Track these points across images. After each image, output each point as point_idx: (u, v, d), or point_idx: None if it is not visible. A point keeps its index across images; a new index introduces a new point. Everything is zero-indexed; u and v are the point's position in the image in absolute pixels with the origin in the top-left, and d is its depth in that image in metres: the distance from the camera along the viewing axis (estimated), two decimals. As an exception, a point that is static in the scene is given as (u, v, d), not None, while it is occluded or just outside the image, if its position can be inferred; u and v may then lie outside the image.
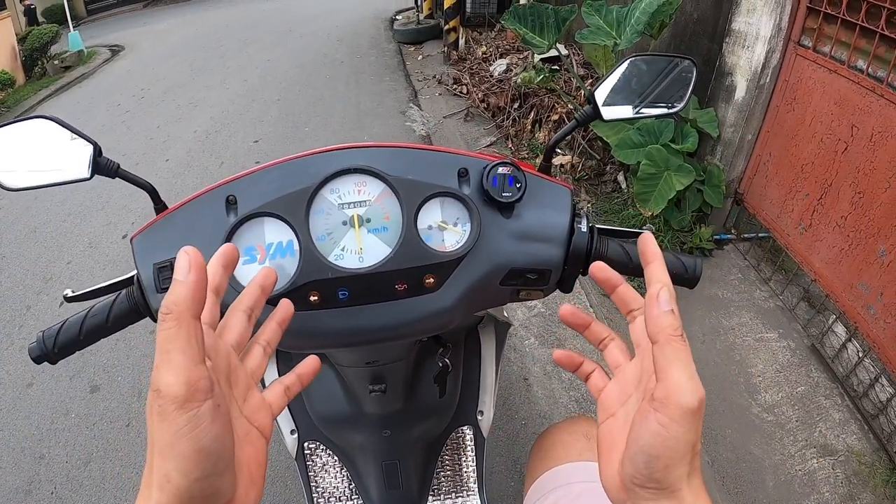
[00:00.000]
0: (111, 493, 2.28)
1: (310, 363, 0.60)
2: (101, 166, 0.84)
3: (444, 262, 0.75)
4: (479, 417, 1.23)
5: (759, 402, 2.39)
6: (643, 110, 0.94)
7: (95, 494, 2.29)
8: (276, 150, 5.22)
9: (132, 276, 0.83)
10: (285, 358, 1.17)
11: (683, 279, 0.85)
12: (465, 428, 1.24)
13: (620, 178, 3.71)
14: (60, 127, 0.82)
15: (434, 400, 1.11)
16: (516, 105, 4.85)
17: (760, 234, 2.96)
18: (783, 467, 2.17)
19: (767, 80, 2.73)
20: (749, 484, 2.14)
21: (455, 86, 6.07)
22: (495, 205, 0.79)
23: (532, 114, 4.62)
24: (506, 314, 1.30)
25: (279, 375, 1.12)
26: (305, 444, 1.19)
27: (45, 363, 0.82)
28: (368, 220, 0.76)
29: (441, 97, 6.01)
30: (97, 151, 0.83)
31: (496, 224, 0.78)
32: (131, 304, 0.80)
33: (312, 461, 1.20)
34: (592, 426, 1.09)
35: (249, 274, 0.74)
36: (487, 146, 4.76)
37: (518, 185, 0.78)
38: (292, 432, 1.18)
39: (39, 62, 10.08)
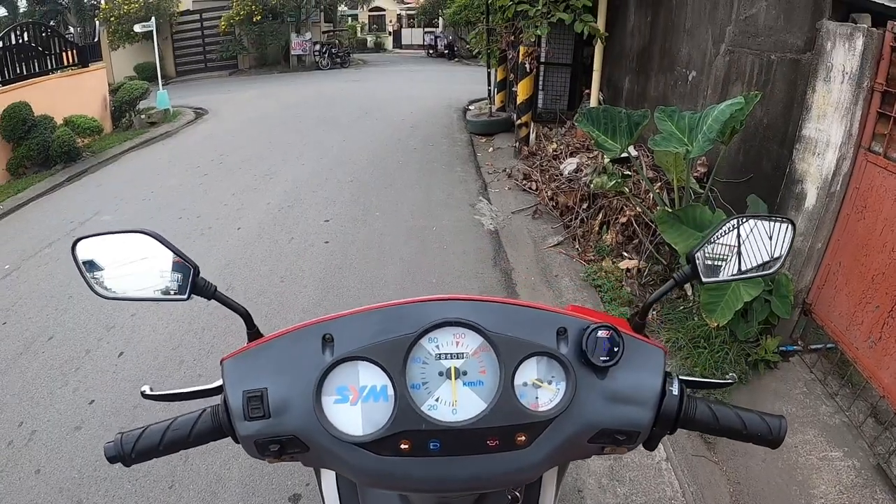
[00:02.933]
0: (142, 549, 2.25)
1: None
2: (199, 287, 0.87)
3: (537, 422, 0.76)
4: None
5: (821, 526, 2.24)
6: (741, 272, 0.94)
7: (126, 549, 2.26)
8: (345, 231, 5.35)
9: (214, 389, 0.87)
10: (346, 483, 1.16)
11: (766, 440, 0.84)
12: None
13: (687, 285, 3.66)
14: (159, 243, 0.85)
15: None
16: (585, 205, 4.89)
17: (828, 346, 2.85)
18: None
19: (838, 187, 2.68)
20: None
21: (525, 181, 6.19)
22: (591, 366, 0.79)
23: (600, 215, 4.64)
24: None
25: (339, 494, 1.13)
26: None
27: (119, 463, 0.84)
28: (465, 373, 0.78)
29: (510, 191, 6.13)
30: (195, 272, 0.87)
31: (590, 384, 0.79)
32: (215, 424, 0.82)
33: None
34: None
35: (340, 413, 0.76)
36: (554, 245, 4.78)
37: (615, 349, 0.79)
38: None
39: (127, 114, 10.75)
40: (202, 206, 6.16)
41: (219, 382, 0.84)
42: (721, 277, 0.94)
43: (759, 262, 0.94)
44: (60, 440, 2.83)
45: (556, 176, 5.63)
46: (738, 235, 0.93)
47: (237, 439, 0.79)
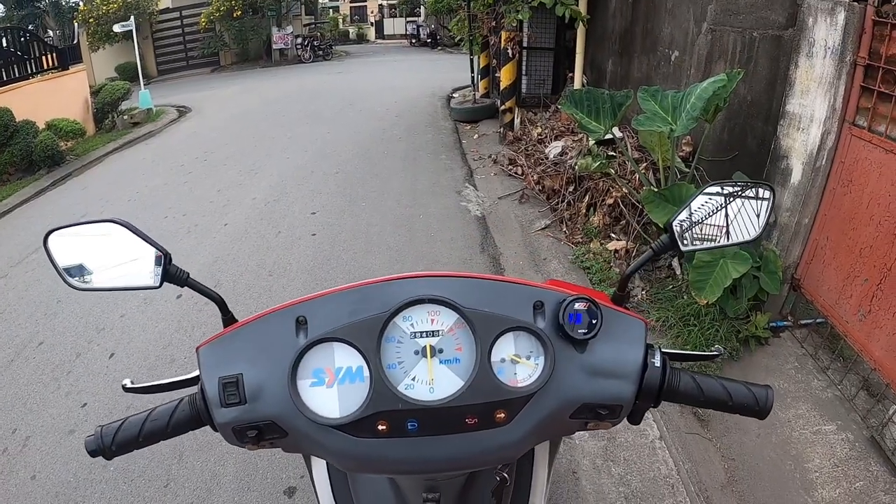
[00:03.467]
0: (141, 551, 2.25)
1: None
2: (171, 275, 0.86)
3: (516, 398, 0.75)
4: None
5: (816, 498, 2.25)
6: (720, 239, 0.94)
7: (124, 551, 2.26)
8: (332, 222, 5.34)
9: (193, 378, 0.85)
10: (337, 473, 1.15)
11: (753, 411, 0.83)
12: None
13: (675, 264, 3.67)
14: (129, 232, 0.84)
15: None
16: (571, 188, 4.89)
17: (818, 321, 2.87)
18: (842, 571, 2.03)
19: (823, 162, 2.70)
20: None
21: (510, 166, 6.18)
22: (570, 340, 0.78)
23: (587, 197, 4.64)
24: None
25: (330, 479, 1.12)
26: None
27: (100, 457, 0.83)
28: (441, 351, 0.77)
29: (496, 177, 6.13)
30: (167, 259, 0.85)
31: (569, 358, 0.78)
32: (193, 413, 0.81)
33: None
34: None
35: (317, 396, 0.75)
36: (542, 229, 4.78)
37: (594, 322, 0.78)
38: None
39: (110, 116, 10.67)
40: (188, 204, 6.12)
41: (196, 372, 0.83)
42: (700, 246, 0.93)
43: (740, 229, 0.93)
44: (55, 445, 2.82)
45: (542, 160, 5.62)
46: (718, 203, 0.92)
47: (215, 427, 0.78)
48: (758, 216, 0.93)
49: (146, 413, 0.83)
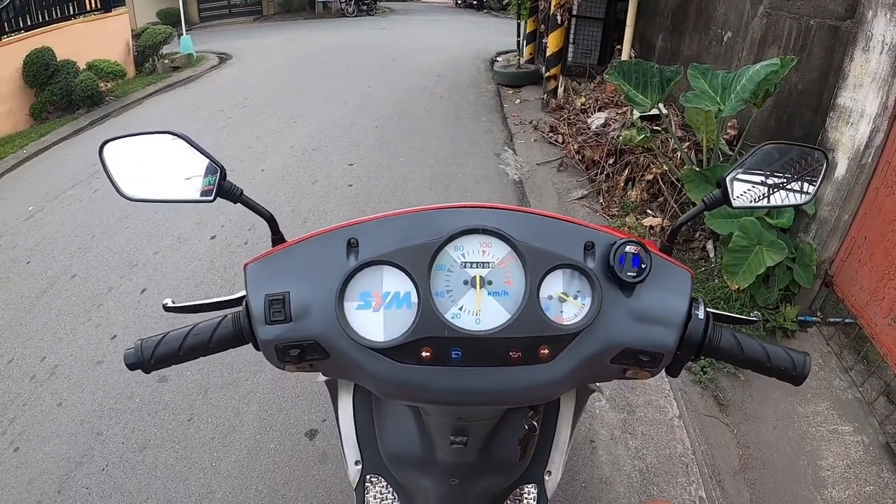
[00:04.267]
0: (161, 482, 2.33)
1: None
2: (225, 190, 0.85)
3: (561, 336, 0.74)
4: (546, 477, 1.19)
5: (825, 497, 2.25)
6: (772, 199, 0.91)
7: (145, 481, 2.34)
8: (369, 175, 5.35)
9: (237, 299, 0.85)
10: (363, 395, 1.15)
11: (790, 376, 0.83)
12: (530, 486, 1.20)
13: (709, 246, 3.62)
14: (187, 144, 0.84)
15: (510, 458, 1.08)
16: (611, 160, 4.83)
17: (847, 321, 2.82)
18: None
19: (869, 159, 2.62)
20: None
21: (551, 134, 6.10)
22: (617, 282, 0.78)
23: (626, 171, 4.58)
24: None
25: (354, 411, 1.12)
26: (368, 477, 1.17)
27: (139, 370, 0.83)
28: (490, 283, 0.76)
29: (536, 143, 6.06)
30: (222, 175, 0.85)
31: (615, 301, 0.77)
32: (236, 330, 0.81)
33: (372, 495, 1.18)
34: None
35: (362, 319, 0.75)
36: (578, 199, 4.74)
37: (643, 266, 0.77)
38: (356, 463, 1.16)
39: (150, 59, 10.70)
40: (225, 148, 6.15)
41: (242, 293, 0.83)
42: (751, 204, 0.91)
43: (791, 193, 0.91)
44: (82, 374, 2.91)
45: (584, 130, 5.54)
46: (771, 163, 0.90)
47: (257, 345, 0.79)
48: (810, 182, 0.91)
49: (188, 328, 0.83)
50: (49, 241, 4.28)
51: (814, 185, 0.91)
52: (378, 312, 0.75)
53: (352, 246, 0.78)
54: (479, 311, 0.75)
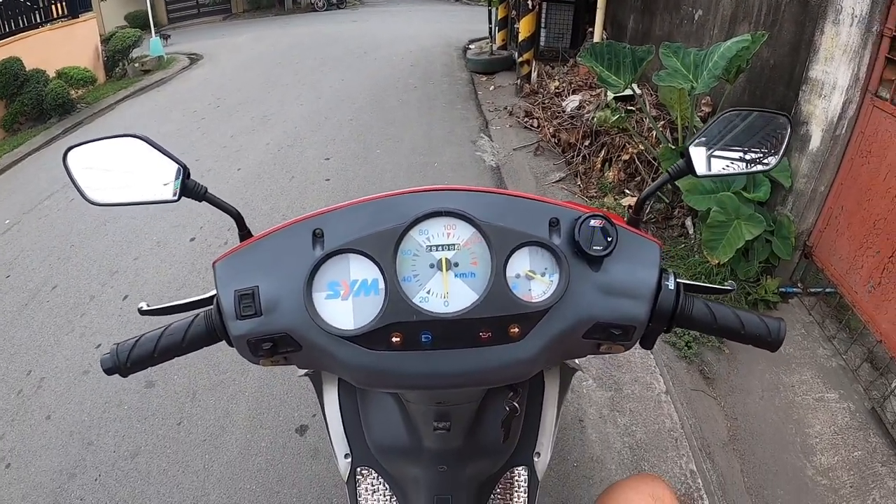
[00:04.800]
0: (155, 488, 2.32)
1: None
2: (189, 189, 0.85)
3: (530, 313, 0.74)
4: (536, 459, 1.20)
5: (815, 464, 2.29)
6: (737, 166, 0.92)
7: (139, 487, 2.33)
8: (346, 168, 5.33)
9: (209, 297, 0.85)
10: (347, 388, 1.16)
11: (766, 342, 0.83)
12: (520, 469, 1.20)
13: (688, 222, 3.65)
14: (149, 146, 0.83)
15: (495, 441, 1.09)
16: (587, 142, 4.85)
17: (827, 290, 2.86)
18: (834, 535, 2.08)
19: (843, 130, 2.65)
20: (798, 549, 2.05)
21: (526, 119, 6.11)
22: (584, 257, 0.78)
23: (602, 152, 4.60)
24: (576, 361, 1.27)
25: (340, 405, 1.12)
26: (358, 470, 1.17)
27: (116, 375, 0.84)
28: (456, 265, 0.76)
29: (511, 129, 6.06)
30: (185, 174, 0.85)
31: (583, 276, 0.77)
32: (209, 327, 0.81)
33: (364, 487, 1.18)
34: (659, 486, 1.05)
35: (332, 308, 0.75)
36: (556, 182, 4.76)
37: (609, 239, 0.77)
38: (346, 456, 1.16)
39: (120, 63, 10.53)
40: (201, 149, 6.10)
41: (213, 292, 0.82)
42: (716, 172, 0.91)
43: (756, 157, 0.91)
44: (69, 385, 2.88)
45: (559, 113, 5.54)
46: (734, 130, 0.91)
47: (230, 342, 0.79)
48: (775, 147, 0.91)
49: (161, 329, 0.84)
50: (28, 254, 4.23)
51: (779, 151, 0.91)
52: (347, 301, 0.75)
53: (317, 236, 0.78)
54: (447, 294, 0.75)
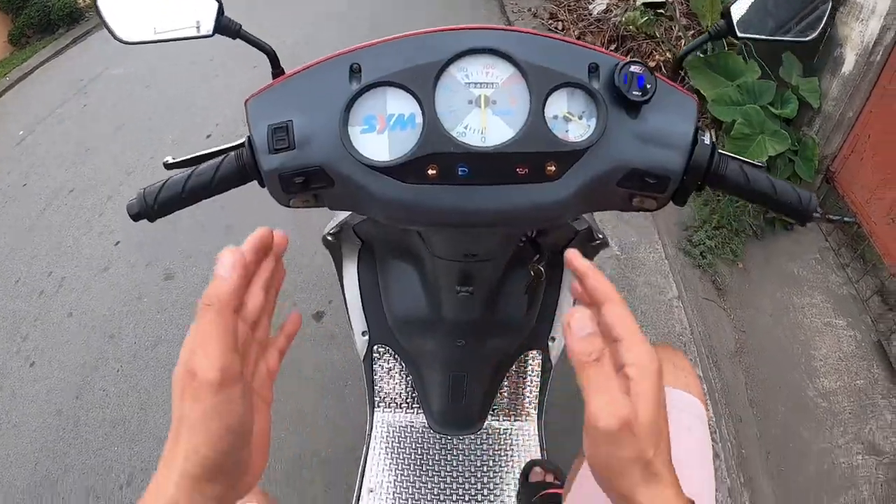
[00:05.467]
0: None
1: (293, 321, 0.64)
2: (223, 26, 0.82)
3: (567, 152, 0.73)
4: (550, 343, 1.20)
5: (817, 386, 2.33)
6: (777, 33, 0.89)
7: (160, 375, 2.41)
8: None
9: (239, 144, 0.83)
10: (367, 262, 1.14)
11: (797, 211, 0.81)
12: (535, 352, 1.21)
13: (711, 134, 3.58)
14: None
15: (514, 314, 1.08)
16: (612, 47, 4.69)
17: (846, 219, 2.83)
18: (828, 456, 2.13)
19: (878, 57, 2.56)
20: (791, 465, 2.11)
21: (551, 21, 5.90)
22: (623, 103, 0.76)
23: (628, 58, 4.46)
24: (600, 234, 1.23)
25: (359, 280, 1.12)
26: (375, 348, 1.18)
27: (144, 220, 0.82)
28: (494, 102, 0.74)
29: (536, 31, 5.86)
30: (220, 10, 0.81)
31: (621, 122, 0.76)
32: (239, 166, 0.79)
33: (379, 365, 1.19)
34: (679, 357, 1.06)
35: (367, 142, 0.74)
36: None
37: (648, 86, 0.75)
38: (364, 333, 1.17)
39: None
40: (219, 49, 5.93)
41: (242, 140, 0.81)
42: (755, 35, 0.89)
43: (796, 27, 0.90)
44: (89, 282, 2.94)
45: (585, 16, 5.36)
46: None
47: (261, 180, 0.78)
48: (814, 19, 0.89)
49: (190, 171, 0.82)
50: (44, 161, 4.23)
51: (817, 26, 0.89)
52: (383, 135, 0.74)
53: (354, 71, 0.76)
54: (485, 129, 0.74)
